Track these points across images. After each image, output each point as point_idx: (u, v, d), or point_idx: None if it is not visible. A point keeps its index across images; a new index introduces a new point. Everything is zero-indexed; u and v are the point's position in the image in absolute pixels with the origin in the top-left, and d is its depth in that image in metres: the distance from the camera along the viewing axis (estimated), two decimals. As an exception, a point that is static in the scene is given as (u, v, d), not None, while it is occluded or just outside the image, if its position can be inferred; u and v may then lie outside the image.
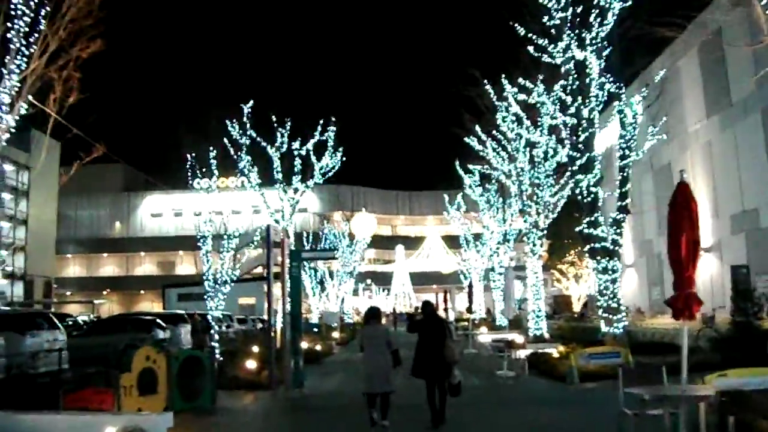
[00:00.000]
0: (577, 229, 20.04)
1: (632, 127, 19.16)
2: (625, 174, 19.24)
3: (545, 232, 28.69)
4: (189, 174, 21.17)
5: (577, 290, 64.98)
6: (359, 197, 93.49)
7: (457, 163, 38.85)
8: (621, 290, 41.11)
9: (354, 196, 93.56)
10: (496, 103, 28.08)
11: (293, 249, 17.12)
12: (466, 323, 44.76)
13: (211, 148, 20.81)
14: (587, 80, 19.00)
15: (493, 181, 38.65)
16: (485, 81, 28.16)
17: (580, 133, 19.46)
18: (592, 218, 19.26)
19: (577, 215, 54.08)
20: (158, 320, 27.92)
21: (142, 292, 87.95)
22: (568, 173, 29.39)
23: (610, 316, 18.58)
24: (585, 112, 19.16)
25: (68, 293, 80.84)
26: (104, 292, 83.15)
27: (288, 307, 16.18)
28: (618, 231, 18.96)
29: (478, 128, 30.16)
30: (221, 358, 18.95)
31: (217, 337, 19.25)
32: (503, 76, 26.78)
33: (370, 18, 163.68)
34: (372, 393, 10.97)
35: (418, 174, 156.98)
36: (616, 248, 18.87)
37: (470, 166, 34.28)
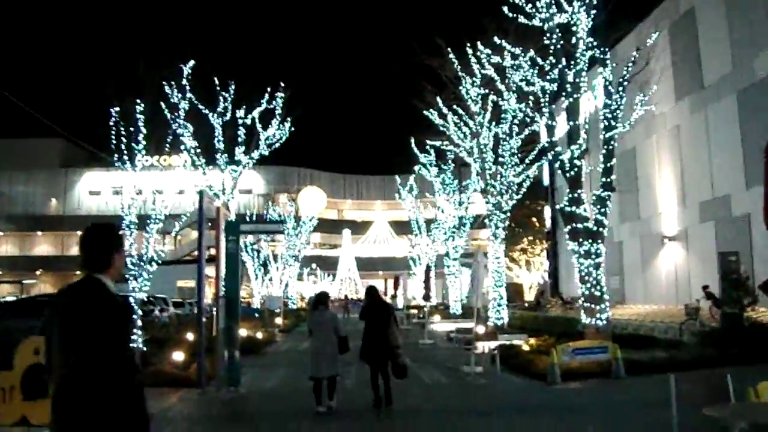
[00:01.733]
0: (557, 207, 17.87)
1: (619, 95, 17.06)
2: (609, 147, 17.12)
3: (508, 214, 26.64)
4: (115, 145, 18.21)
5: (528, 278, 63.48)
6: (306, 179, 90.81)
7: (412, 140, 36.65)
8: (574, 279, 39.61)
9: (300, 178, 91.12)
10: (461, 74, 25.94)
11: (230, 221, 14.58)
12: (415, 311, 42.84)
13: (140, 108, 17.88)
14: (573, 39, 16.80)
15: (450, 162, 36.70)
16: (449, 50, 25.96)
17: (563, 98, 17.27)
18: (575, 195, 17.05)
19: (528, 202, 52.93)
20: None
21: (77, 272, 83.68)
22: (535, 150, 27.47)
23: (593, 306, 16.44)
24: (570, 76, 16.98)
25: None
26: (37, 272, 79.22)
27: (222, 289, 13.67)
28: (602, 210, 16.81)
29: (439, 100, 27.86)
30: (144, 348, 16.44)
31: (140, 323, 16.61)
32: (468, 45, 24.72)
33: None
34: (318, 378, 11.11)
35: (367, 158, 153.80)
36: (600, 229, 16.73)
37: (428, 142, 32.01)
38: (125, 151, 17.46)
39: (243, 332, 25.48)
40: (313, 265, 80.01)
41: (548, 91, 17.73)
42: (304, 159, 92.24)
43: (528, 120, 20.07)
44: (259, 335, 26.34)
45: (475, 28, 23.36)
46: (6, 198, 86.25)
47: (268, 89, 27.88)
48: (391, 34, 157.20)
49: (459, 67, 25.88)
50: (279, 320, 35.76)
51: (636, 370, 13.97)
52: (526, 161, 27.20)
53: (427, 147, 36.60)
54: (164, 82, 24.56)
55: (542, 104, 18.00)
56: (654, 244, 34.27)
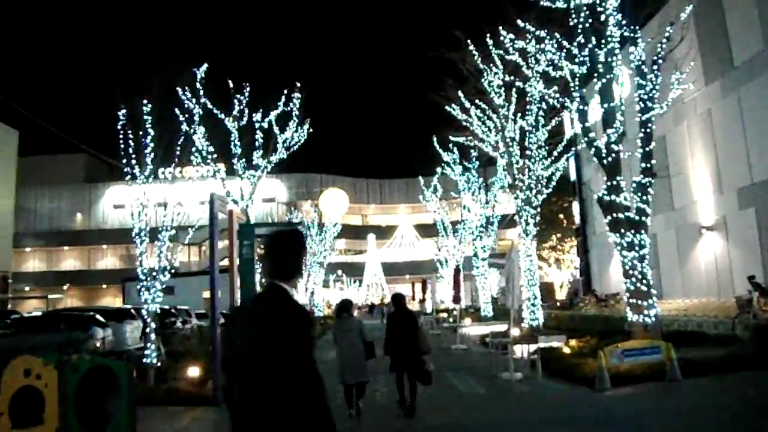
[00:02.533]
0: (595, 196, 16.63)
1: (654, 74, 15.87)
2: (647, 130, 15.93)
3: (539, 210, 25.49)
4: (124, 150, 17.40)
5: (558, 277, 62.08)
6: (328, 185, 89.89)
7: (434, 138, 35.53)
8: (616, 275, 37.96)
9: (323, 184, 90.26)
10: (482, 66, 24.85)
11: (245, 223, 13.57)
12: (445, 314, 41.65)
13: (147, 109, 16.93)
14: (603, 17, 15.60)
15: (474, 159, 35.58)
16: (468, 42, 24.89)
17: (595, 80, 16.07)
18: (614, 183, 15.85)
19: (554, 199, 51.59)
20: (98, 316, 24.63)
21: (104, 286, 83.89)
22: (562, 143, 26.30)
23: (639, 302, 15.25)
24: (601, 56, 15.79)
25: (27, 288, 77.06)
26: (64, 287, 79.23)
27: (238, 298, 12.67)
28: (644, 198, 15.59)
29: (461, 94, 26.71)
30: (158, 364, 15.49)
31: (153, 336, 15.66)
32: (488, 35, 23.67)
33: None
34: (348, 384, 11.09)
35: (389, 161, 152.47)
36: (643, 219, 15.49)
37: (452, 138, 30.82)
38: (134, 156, 16.59)
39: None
40: (339, 272, 79.27)
41: (578, 75, 16.55)
42: (326, 165, 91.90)
43: (558, 105, 18.69)
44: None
45: (494, 17, 22.08)
46: (32, 214, 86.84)
47: (285, 91, 26.98)
48: (408, 30, 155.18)
49: (480, 58, 24.80)
50: (305, 329, 34.78)
51: (693, 371, 12.68)
52: (555, 153, 26.06)
53: (451, 145, 35.55)
54: (178, 88, 23.84)
55: (572, 88, 16.79)
56: (691, 235, 32.86)
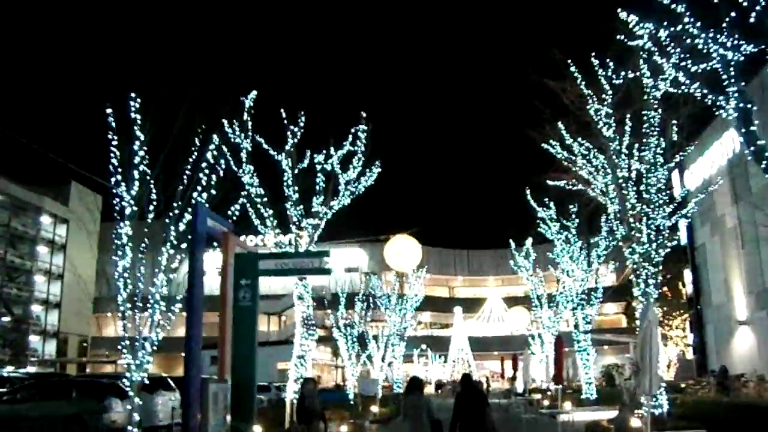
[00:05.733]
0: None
1: None
2: None
3: (660, 268, 20.48)
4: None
5: (666, 355, 56.04)
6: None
7: (527, 191, 31.00)
8: (739, 352, 31.94)
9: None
10: (586, 91, 20.43)
11: (244, 253, 9.20)
12: (539, 395, 36.32)
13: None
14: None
15: (573, 216, 30.74)
16: (569, 62, 20.59)
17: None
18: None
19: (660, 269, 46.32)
20: (120, 384, 20.98)
21: (182, 354, 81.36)
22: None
23: None
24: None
25: (106, 353, 76.53)
26: (143, 353, 77.65)
27: (228, 364, 8.24)
28: None
29: (561, 126, 22.13)
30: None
31: (135, 417, 11.52)
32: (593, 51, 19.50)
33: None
34: None
35: (478, 230, 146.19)
36: None
37: (550, 183, 25.84)
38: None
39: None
40: (424, 346, 74.89)
41: (733, 62, 11.79)
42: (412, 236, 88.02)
43: (709, 104, 13.40)
44: (344, 430, 21.07)
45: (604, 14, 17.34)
46: (113, 279, 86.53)
47: (350, 128, 22.83)
48: (490, 61, 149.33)
49: (584, 82, 20.39)
50: (375, 408, 30.08)
51: None
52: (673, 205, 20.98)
53: (546, 199, 31.09)
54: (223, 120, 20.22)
55: (726, 81, 11.97)
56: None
